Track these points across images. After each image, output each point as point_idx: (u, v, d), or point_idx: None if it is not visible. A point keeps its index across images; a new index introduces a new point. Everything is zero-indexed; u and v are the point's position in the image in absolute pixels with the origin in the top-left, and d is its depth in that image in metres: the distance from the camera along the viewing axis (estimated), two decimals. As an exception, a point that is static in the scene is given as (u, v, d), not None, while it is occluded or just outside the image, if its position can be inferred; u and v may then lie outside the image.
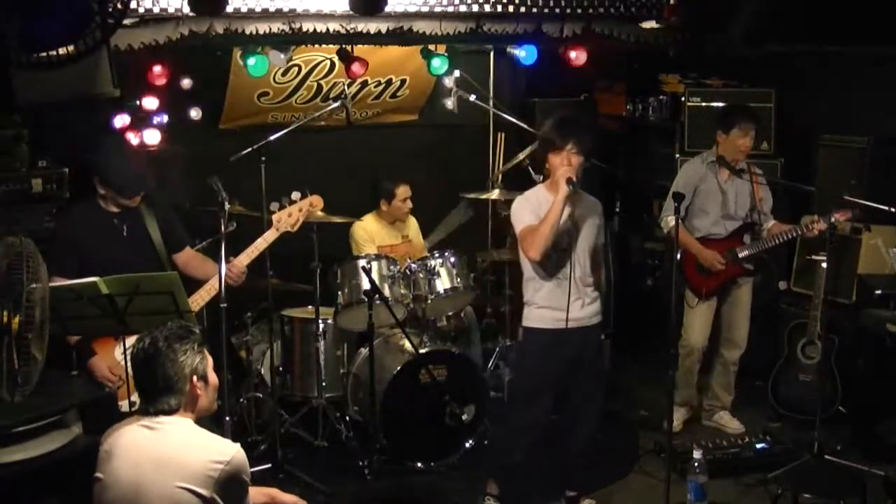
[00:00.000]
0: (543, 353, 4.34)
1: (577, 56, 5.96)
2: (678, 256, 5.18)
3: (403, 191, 5.79)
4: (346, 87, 6.06)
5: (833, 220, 4.90)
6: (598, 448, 5.24)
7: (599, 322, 4.50)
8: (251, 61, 5.35)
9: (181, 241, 4.55)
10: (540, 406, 4.40)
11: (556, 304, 4.28)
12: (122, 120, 5.29)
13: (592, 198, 4.51)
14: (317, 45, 5.67)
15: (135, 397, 3.43)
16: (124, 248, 4.25)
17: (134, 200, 4.31)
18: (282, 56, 5.45)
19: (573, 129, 4.26)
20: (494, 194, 5.80)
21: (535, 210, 4.27)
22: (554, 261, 4.27)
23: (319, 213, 5.03)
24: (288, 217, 4.49)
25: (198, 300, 4.29)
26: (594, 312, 4.44)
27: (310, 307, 5.44)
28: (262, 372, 5.60)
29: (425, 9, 5.19)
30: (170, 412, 2.77)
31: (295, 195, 4.55)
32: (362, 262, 5.12)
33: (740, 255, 5.29)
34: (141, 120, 5.43)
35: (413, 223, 6.05)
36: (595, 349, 4.50)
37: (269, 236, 4.47)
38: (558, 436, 4.54)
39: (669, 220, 5.19)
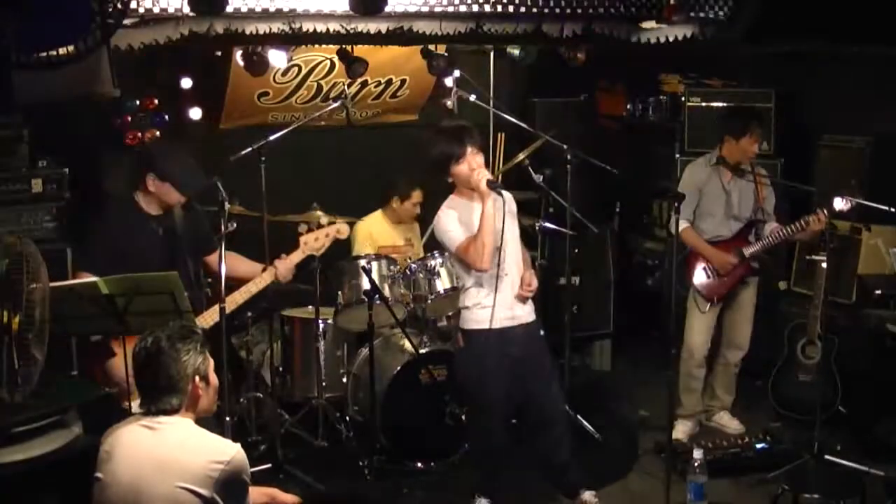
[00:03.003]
0: (495, 353, 4.28)
1: (577, 56, 5.96)
2: (679, 256, 5.20)
3: (418, 195, 5.83)
4: (346, 87, 6.06)
5: (836, 207, 4.87)
6: (598, 448, 5.26)
7: (537, 319, 4.46)
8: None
9: (213, 244, 4.56)
10: (500, 408, 4.37)
11: (501, 303, 4.24)
12: (121, 120, 5.29)
13: (507, 193, 4.40)
14: (317, 45, 5.66)
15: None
16: (160, 250, 4.25)
17: (180, 201, 4.31)
18: (284, 55, 5.45)
19: (465, 133, 4.22)
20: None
21: (462, 222, 4.23)
22: (493, 262, 4.21)
23: (319, 213, 5.04)
24: (315, 241, 4.56)
25: (237, 298, 4.34)
26: (532, 308, 4.43)
27: (310, 307, 5.44)
28: (262, 372, 5.60)
29: (425, 9, 5.19)
30: (171, 412, 2.78)
31: (324, 220, 4.59)
32: (362, 262, 5.11)
33: (747, 254, 5.28)
34: (141, 120, 5.43)
35: (417, 228, 6.07)
36: (540, 345, 4.47)
37: (296, 257, 4.53)
38: (533, 437, 4.51)
39: (682, 223, 5.16)
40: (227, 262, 4.47)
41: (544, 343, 4.54)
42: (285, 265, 4.46)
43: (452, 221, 4.25)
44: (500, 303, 4.23)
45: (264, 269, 4.48)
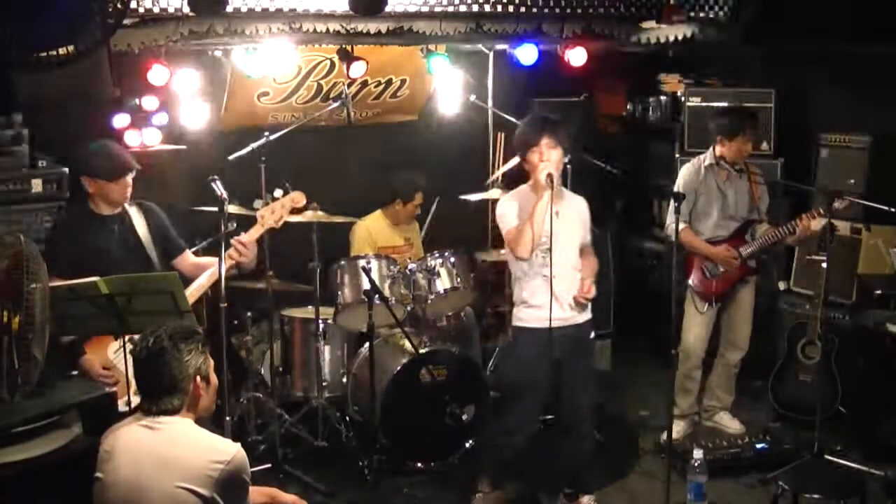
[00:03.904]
0: (532, 352, 4.33)
1: (577, 56, 5.96)
2: (678, 256, 5.20)
3: (419, 197, 5.87)
4: (346, 87, 6.06)
5: (834, 207, 4.87)
6: (598, 448, 5.27)
7: (588, 319, 4.48)
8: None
9: (179, 245, 4.55)
10: (530, 405, 4.42)
11: (543, 302, 4.27)
12: (122, 120, 5.29)
13: (577, 196, 4.50)
14: (317, 45, 5.66)
15: (132, 396, 3.43)
16: (116, 250, 4.25)
17: (124, 193, 4.28)
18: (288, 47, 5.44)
19: (546, 124, 4.32)
20: (494, 194, 5.79)
21: (521, 210, 4.30)
22: (539, 259, 4.28)
23: (320, 213, 5.04)
24: (271, 213, 4.49)
25: (203, 283, 4.30)
26: (586, 307, 4.44)
27: (310, 307, 5.44)
28: (262, 372, 5.60)
29: (425, 9, 5.20)
30: (172, 412, 2.78)
31: (277, 192, 4.57)
32: (362, 262, 5.12)
33: (744, 254, 5.28)
34: (141, 120, 5.43)
35: (416, 228, 6.07)
36: (583, 346, 4.49)
37: (255, 232, 4.46)
38: (556, 435, 4.53)
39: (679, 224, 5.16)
40: (198, 269, 4.46)
41: (590, 344, 4.57)
42: (244, 240, 4.35)
43: (511, 208, 4.34)
44: (546, 304, 4.24)
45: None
